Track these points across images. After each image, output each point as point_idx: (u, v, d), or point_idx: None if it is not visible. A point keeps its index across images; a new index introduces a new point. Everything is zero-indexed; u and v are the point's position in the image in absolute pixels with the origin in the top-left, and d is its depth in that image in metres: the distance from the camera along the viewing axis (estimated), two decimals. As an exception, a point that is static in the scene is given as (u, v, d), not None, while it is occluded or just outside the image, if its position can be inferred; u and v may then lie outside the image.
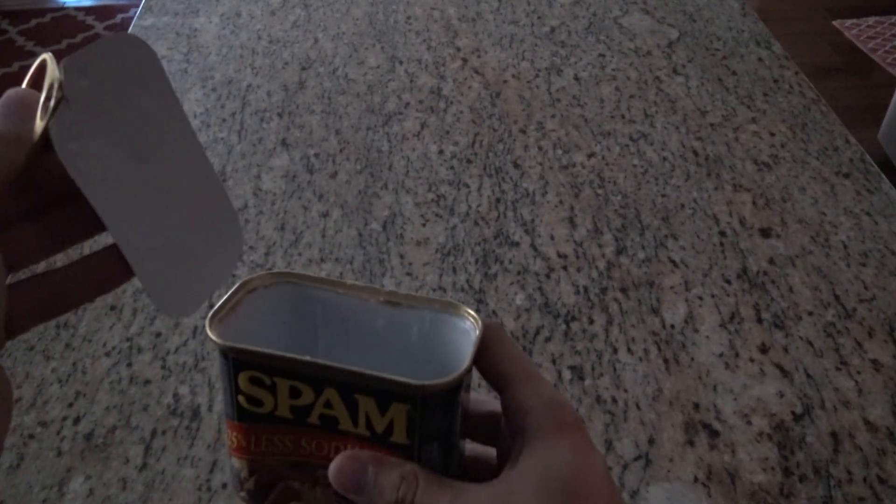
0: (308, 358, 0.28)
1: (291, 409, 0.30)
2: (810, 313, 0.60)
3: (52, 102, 0.23)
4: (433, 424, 0.28)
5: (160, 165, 0.26)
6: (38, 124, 0.23)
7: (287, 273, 0.33)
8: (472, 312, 0.30)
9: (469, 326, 0.30)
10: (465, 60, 0.89)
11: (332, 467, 0.28)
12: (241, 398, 0.30)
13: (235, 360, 0.29)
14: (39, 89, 0.23)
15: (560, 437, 0.27)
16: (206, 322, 0.29)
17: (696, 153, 0.76)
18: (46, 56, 0.23)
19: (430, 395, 0.27)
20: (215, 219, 0.29)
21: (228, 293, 0.31)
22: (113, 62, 0.25)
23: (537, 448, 0.27)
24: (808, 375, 0.55)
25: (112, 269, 0.27)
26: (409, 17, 0.98)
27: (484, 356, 0.29)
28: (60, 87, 0.23)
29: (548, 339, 0.58)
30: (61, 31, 2.73)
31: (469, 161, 0.75)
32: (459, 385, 0.28)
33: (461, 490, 0.26)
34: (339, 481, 0.27)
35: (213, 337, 0.28)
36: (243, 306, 0.31)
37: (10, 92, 0.24)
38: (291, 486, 0.32)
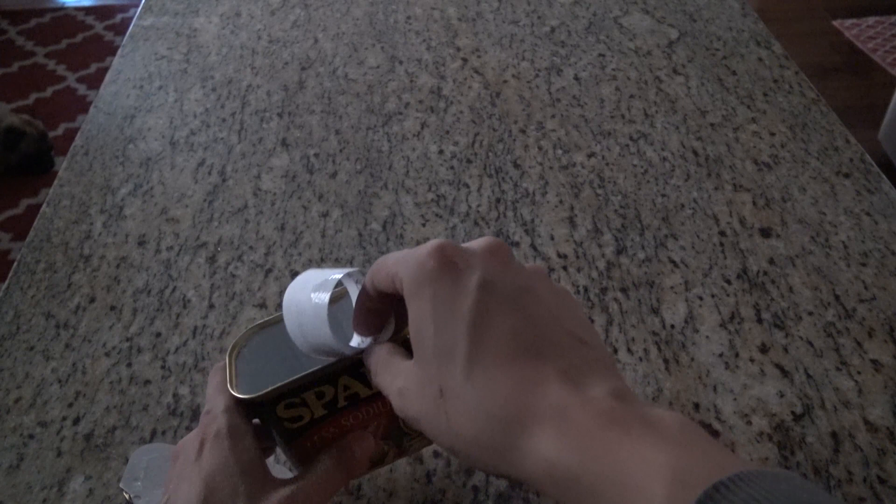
0: (318, 366, 0.36)
1: (324, 407, 0.37)
2: (810, 313, 0.60)
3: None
4: None
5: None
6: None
7: (258, 324, 0.40)
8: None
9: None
10: (465, 60, 0.89)
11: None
12: (286, 424, 0.37)
13: (269, 401, 0.36)
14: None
15: (412, 304, 0.29)
16: (231, 389, 0.36)
17: (696, 153, 0.76)
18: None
19: None
20: None
21: (227, 362, 0.38)
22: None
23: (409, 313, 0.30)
24: (808, 375, 0.55)
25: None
26: (409, 17, 0.98)
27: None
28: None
29: (548, 339, 0.58)
30: (61, 31, 2.74)
31: (469, 161, 0.75)
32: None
33: (398, 369, 0.31)
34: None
35: (241, 395, 0.36)
36: (241, 365, 0.38)
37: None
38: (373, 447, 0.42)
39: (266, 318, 0.40)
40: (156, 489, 0.41)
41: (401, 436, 0.43)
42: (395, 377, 0.31)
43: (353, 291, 0.36)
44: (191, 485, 0.34)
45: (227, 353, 0.38)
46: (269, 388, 0.35)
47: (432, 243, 0.29)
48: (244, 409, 0.37)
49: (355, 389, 0.38)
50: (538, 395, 0.26)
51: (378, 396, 0.39)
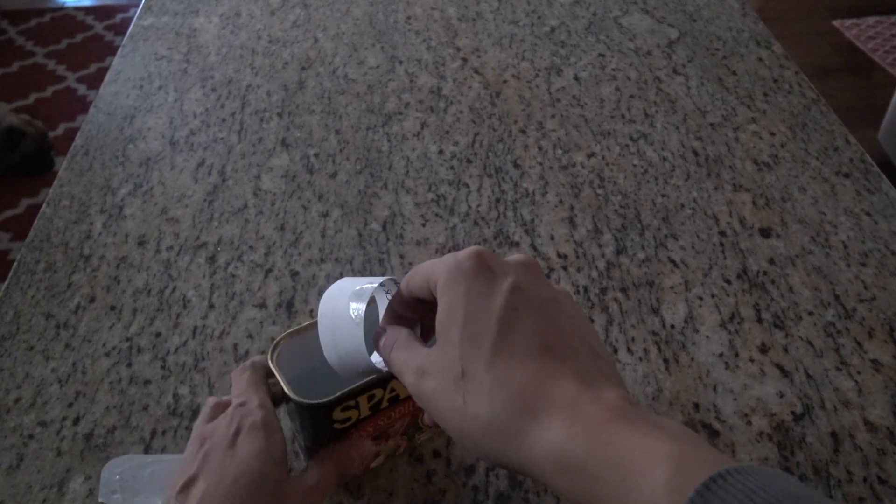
0: (379, 374, 0.38)
1: (370, 408, 0.41)
2: (810, 313, 0.60)
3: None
4: None
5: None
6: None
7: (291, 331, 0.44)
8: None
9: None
10: (465, 60, 0.89)
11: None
12: (336, 425, 0.41)
13: (331, 404, 0.40)
14: None
15: (445, 295, 0.32)
16: (292, 394, 0.40)
17: (696, 153, 0.76)
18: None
19: None
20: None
21: (274, 369, 0.42)
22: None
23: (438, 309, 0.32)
24: (808, 375, 0.55)
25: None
26: (409, 17, 0.98)
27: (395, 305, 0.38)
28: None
29: (548, 339, 0.58)
30: (61, 31, 2.73)
31: (469, 161, 0.75)
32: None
33: (418, 350, 0.33)
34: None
35: (309, 401, 0.39)
36: (285, 371, 0.42)
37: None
38: (373, 450, 0.45)
39: (294, 327, 0.43)
40: (136, 497, 0.43)
41: (414, 431, 0.46)
42: (413, 356, 0.33)
43: (383, 304, 0.37)
44: (224, 467, 0.37)
45: (269, 360, 0.42)
46: (338, 394, 0.39)
47: (471, 249, 0.32)
48: (296, 411, 0.41)
49: (398, 391, 0.41)
50: (554, 387, 0.28)
51: (410, 397, 0.42)
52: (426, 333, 0.38)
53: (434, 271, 0.33)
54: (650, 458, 0.24)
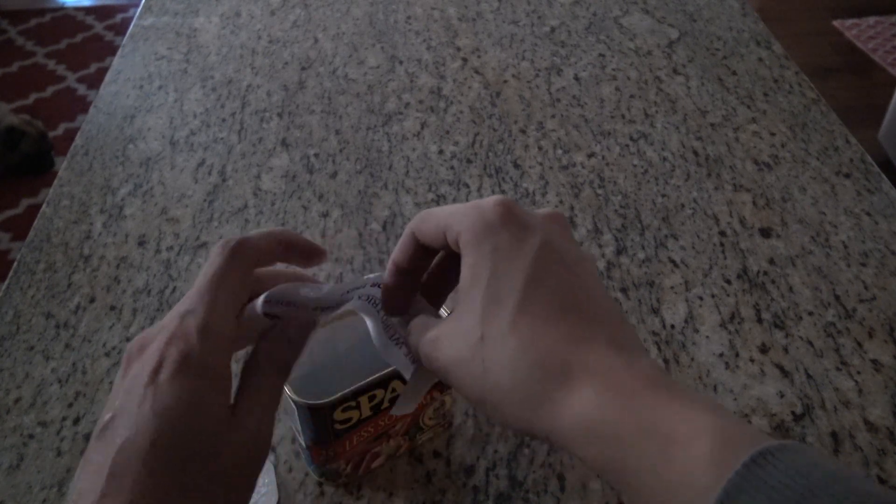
0: (382, 373, 0.40)
1: (371, 409, 0.41)
2: (810, 313, 0.60)
3: None
4: None
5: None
6: None
7: None
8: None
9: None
10: (465, 60, 0.89)
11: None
12: (336, 425, 0.41)
13: (333, 405, 0.39)
14: None
15: (470, 254, 0.29)
16: (293, 394, 0.39)
17: (696, 153, 0.76)
18: None
19: None
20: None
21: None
22: None
23: (463, 269, 0.30)
24: (808, 375, 0.55)
25: None
26: (409, 17, 0.98)
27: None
28: None
29: (548, 339, 0.58)
30: (61, 31, 2.73)
31: (469, 161, 0.75)
32: None
33: (428, 322, 0.32)
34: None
35: (309, 402, 0.39)
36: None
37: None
38: (374, 451, 0.45)
39: None
40: None
41: (416, 431, 0.47)
42: (426, 328, 0.31)
43: (371, 315, 0.35)
44: (141, 415, 0.27)
45: None
46: (338, 395, 0.39)
47: (495, 198, 0.30)
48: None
49: (399, 391, 0.41)
50: (584, 351, 0.26)
51: None
52: (435, 296, 0.36)
53: (452, 222, 0.30)
54: (689, 430, 0.23)
